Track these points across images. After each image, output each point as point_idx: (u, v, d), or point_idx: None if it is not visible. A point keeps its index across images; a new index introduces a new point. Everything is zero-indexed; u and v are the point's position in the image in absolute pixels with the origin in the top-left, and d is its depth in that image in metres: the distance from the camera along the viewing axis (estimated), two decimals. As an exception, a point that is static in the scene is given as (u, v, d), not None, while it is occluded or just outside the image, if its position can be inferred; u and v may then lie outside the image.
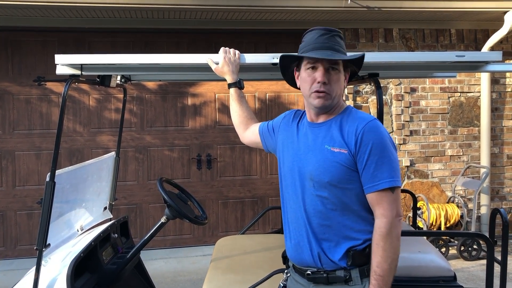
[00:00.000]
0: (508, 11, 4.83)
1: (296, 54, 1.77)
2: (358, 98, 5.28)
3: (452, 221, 5.08)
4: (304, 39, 1.77)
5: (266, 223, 5.50)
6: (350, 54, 1.77)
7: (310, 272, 1.72)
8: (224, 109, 5.33)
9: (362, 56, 1.74)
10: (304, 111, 1.89)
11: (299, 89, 1.85)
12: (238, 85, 2.13)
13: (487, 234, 2.87)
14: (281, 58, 1.82)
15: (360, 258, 1.66)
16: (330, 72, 1.67)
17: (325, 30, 1.71)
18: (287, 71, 1.89)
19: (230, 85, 2.13)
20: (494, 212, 2.84)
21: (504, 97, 5.58)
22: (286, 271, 1.92)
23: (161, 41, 5.19)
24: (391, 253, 1.58)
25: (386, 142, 1.63)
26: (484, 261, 2.81)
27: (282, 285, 1.91)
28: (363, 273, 1.66)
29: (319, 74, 1.67)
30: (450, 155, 5.49)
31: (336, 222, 1.67)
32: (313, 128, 1.77)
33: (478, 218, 5.42)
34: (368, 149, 1.60)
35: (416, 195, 4.87)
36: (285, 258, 1.96)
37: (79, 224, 2.71)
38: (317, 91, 1.68)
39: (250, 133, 2.14)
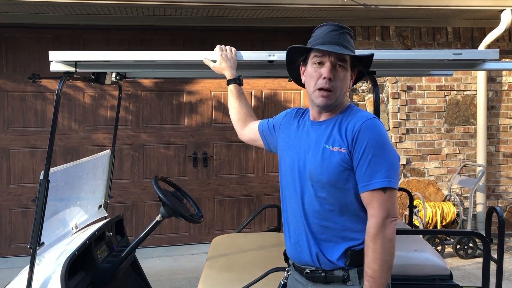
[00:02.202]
0: (504, 9, 4.84)
1: (305, 46, 1.72)
2: (354, 96, 5.28)
3: (448, 219, 5.09)
4: (313, 34, 1.74)
5: (262, 221, 5.49)
6: (358, 53, 1.73)
7: (309, 271, 1.71)
8: (221, 107, 5.31)
9: (371, 55, 1.71)
10: (307, 109, 1.86)
11: (302, 85, 1.81)
12: (237, 81, 2.09)
13: (483, 232, 2.87)
14: (289, 50, 1.79)
15: (358, 258, 1.63)
16: (337, 69, 1.64)
17: (335, 26, 1.69)
18: (292, 65, 1.86)
19: (229, 81, 2.10)
20: (490, 210, 2.83)
21: (501, 95, 5.59)
22: (287, 269, 1.91)
23: (156, 38, 5.17)
24: (381, 254, 1.54)
25: (383, 141, 1.59)
26: (480, 259, 2.82)
27: (282, 283, 1.90)
28: (361, 273, 1.64)
29: (325, 70, 1.64)
30: (447, 154, 5.49)
31: (334, 222, 1.65)
32: (314, 127, 1.74)
33: (474, 216, 5.44)
34: (363, 147, 1.57)
35: (413, 193, 4.88)
36: (286, 256, 1.94)
37: (73, 223, 2.69)
38: (321, 88, 1.65)
39: (248, 131, 2.10)
